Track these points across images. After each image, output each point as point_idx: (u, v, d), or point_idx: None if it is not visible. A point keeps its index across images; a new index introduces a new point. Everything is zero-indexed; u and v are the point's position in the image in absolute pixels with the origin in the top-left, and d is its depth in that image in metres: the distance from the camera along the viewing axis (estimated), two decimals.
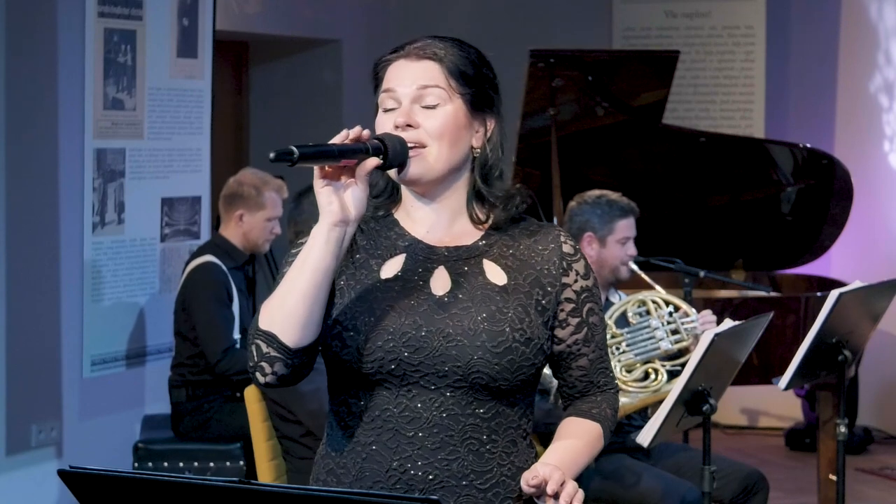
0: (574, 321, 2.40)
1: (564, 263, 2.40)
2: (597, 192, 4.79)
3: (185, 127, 6.10)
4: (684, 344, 4.40)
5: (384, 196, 2.42)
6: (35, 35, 5.46)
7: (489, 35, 8.02)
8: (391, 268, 2.37)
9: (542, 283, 2.37)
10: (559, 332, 2.40)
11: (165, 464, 5.40)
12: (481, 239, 2.39)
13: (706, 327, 4.35)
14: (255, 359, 2.27)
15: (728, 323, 3.95)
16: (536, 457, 2.39)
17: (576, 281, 2.40)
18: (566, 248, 2.41)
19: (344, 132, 2.23)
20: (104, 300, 5.75)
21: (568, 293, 2.39)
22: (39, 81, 5.49)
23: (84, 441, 5.67)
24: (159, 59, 5.95)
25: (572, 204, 4.80)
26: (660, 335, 4.40)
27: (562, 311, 2.39)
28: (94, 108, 5.66)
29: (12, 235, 5.35)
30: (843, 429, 4.51)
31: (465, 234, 2.40)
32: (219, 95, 6.85)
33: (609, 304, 4.62)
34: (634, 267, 4.71)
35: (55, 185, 5.55)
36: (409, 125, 2.32)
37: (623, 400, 4.35)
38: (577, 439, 2.39)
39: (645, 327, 4.42)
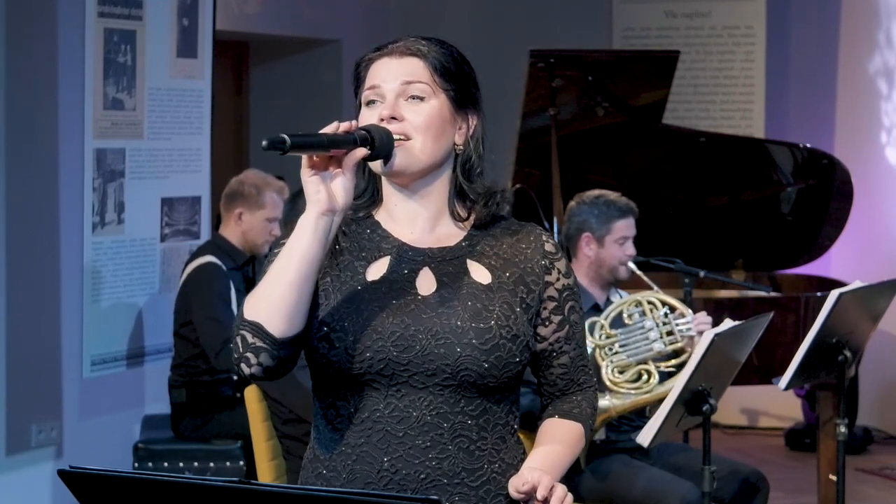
0: (556, 319, 2.42)
1: (547, 262, 2.42)
2: (596, 192, 4.79)
3: (184, 127, 6.10)
4: (678, 345, 4.39)
5: (364, 197, 2.42)
6: (35, 35, 5.46)
7: (489, 35, 8.07)
8: (376, 269, 2.38)
9: (525, 282, 2.39)
10: (542, 330, 2.42)
11: (165, 464, 5.40)
12: (464, 240, 2.41)
13: (701, 328, 4.35)
14: (241, 349, 2.27)
15: (728, 323, 3.95)
16: (524, 454, 2.41)
17: (558, 279, 2.42)
18: (548, 247, 2.43)
19: (335, 124, 2.25)
20: (104, 300, 5.74)
21: (550, 291, 2.41)
22: (39, 81, 5.49)
23: (84, 441, 5.67)
24: (159, 59, 5.95)
25: (571, 204, 4.80)
26: (653, 336, 4.39)
27: (544, 308, 2.41)
28: (94, 108, 5.66)
29: (12, 236, 5.35)
30: (843, 429, 4.51)
31: (448, 235, 2.41)
32: (219, 95, 6.85)
33: (609, 303, 4.61)
34: (633, 267, 4.71)
35: (55, 185, 5.54)
36: (393, 118, 2.33)
37: (613, 401, 4.35)
38: (559, 443, 2.41)
39: (639, 328, 4.41)
